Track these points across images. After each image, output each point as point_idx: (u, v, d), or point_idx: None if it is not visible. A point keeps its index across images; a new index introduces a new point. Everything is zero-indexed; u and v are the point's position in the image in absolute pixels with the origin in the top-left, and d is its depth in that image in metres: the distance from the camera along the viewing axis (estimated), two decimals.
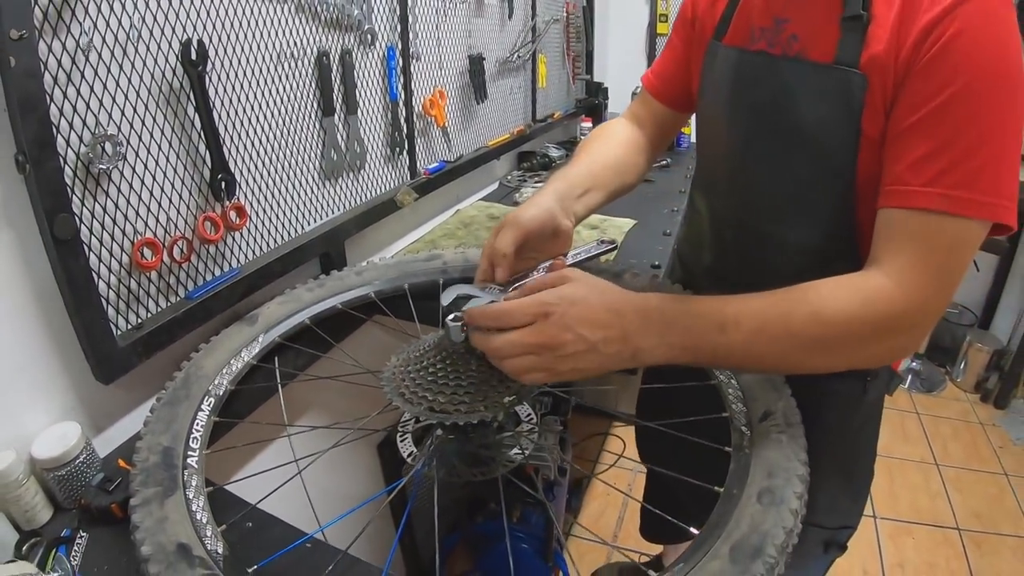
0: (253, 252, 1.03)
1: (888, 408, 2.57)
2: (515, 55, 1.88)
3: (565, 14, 2.29)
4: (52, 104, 0.69)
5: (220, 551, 0.59)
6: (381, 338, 1.19)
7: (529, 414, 0.86)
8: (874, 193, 0.68)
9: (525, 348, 0.60)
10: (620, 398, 1.74)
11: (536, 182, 1.95)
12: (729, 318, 0.62)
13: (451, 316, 0.68)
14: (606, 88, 2.65)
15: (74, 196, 0.73)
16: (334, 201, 1.22)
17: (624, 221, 1.54)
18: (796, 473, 0.61)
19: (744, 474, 0.62)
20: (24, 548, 0.68)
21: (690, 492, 0.62)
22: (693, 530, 0.58)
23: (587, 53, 2.54)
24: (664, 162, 2.23)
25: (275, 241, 1.08)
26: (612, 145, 0.98)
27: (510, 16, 1.83)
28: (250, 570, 0.57)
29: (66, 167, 0.71)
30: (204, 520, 0.62)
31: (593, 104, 2.58)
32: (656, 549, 1.74)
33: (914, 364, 2.91)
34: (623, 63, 2.90)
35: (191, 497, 0.64)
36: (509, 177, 2.04)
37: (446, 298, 0.69)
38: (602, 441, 2.24)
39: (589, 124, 2.51)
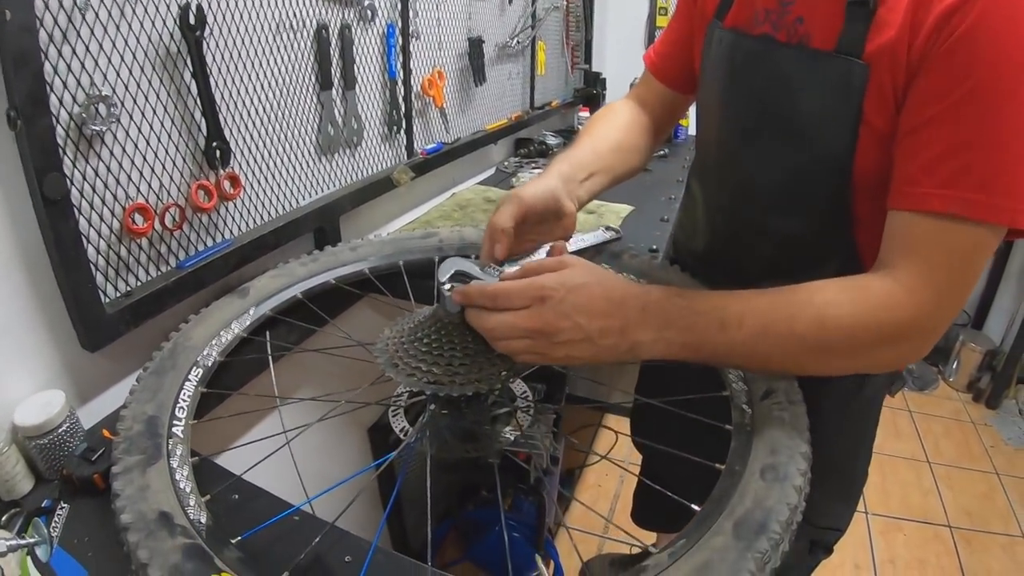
0: (247, 223, 1.02)
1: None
2: (514, 40, 1.87)
3: (565, 3, 2.28)
4: (47, 61, 0.68)
5: (203, 521, 0.57)
6: (375, 316, 1.18)
7: (525, 391, 0.84)
8: (875, 188, 0.65)
9: (520, 331, 0.59)
10: (619, 378, 1.74)
11: (533, 168, 1.94)
12: (732, 317, 0.60)
13: (447, 285, 0.67)
14: (604, 79, 2.64)
15: (65, 156, 0.71)
16: (330, 176, 1.21)
17: (622, 207, 1.54)
18: (799, 450, 0.60)
19: (746, 451, 0.61)
20: (3, 518, 0.67)
21: (689, 472, 0.61)
22: (695, 507, 0.57)
23: (586, 43, 2.54)
24: (663, 152, 2.24)
25: (269, 213, 1.07)
26: (616, 126, 0.96)
27: (511, 1, 1.82)
28: (234, 541, 0.56)
29: (58, 127, 0.70)
30: (188, 489, 0.60)
31: (591, 94, 2.58)
32: (646, 538, 1.74)
33: None
34: (622, 54, 2.90)
35: (175, 467, 0.63)
36: (506, 163, 2.03)
37: (443, 272, 0.68)
38: (594, 432, 2.24)
39: (587, 114, 2.51)
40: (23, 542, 0.56)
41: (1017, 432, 2.59)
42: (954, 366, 2.89)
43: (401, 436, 0.76)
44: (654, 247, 1.29)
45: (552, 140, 2.14)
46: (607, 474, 2.24)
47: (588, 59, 2.59)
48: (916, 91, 0.60)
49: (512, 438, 0.76)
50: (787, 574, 0.94)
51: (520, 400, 0.83)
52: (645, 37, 2.93)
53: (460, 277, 0.68)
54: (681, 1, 0.94)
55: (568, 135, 2.34)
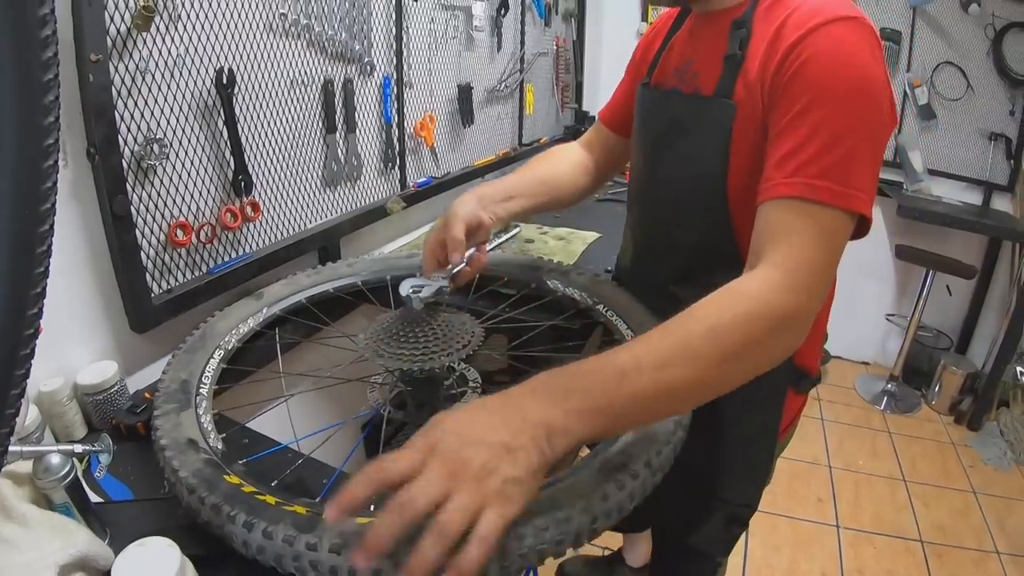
0: (264, 241, 1.24)
1: (859, 427, 2.68)
2: (503, 84, 2.06)
3: (555, 47, 2.48)
4: (116, 112, 0.91)
5: (220, 447, 0.76)
6: (366, 320, 1.38)
7: (476, 378, 1.00)
8: (746, 202, 0.77)
9: (436, 485, 0.49)
10: None
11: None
12: (627, 364, 0.58)
13: (410, 288, 0.87)
14: (594, 117, 2.79)
15: (128, 183, 0.94)
16: (333, 205, 1.43)
17: (589, 234, 1.74)
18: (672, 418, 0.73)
19: None
20: None
21: None
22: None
23: (577, 84, 2.73)
24: None
25: (282, 233, 1.29)
26: (554, 163, 1.14)
27: (499, 49, 2.02)
28: (241, 461, 0.75)
29: (123, 160, 0.93)
30: (209, 428, 0.79)
31: (579, 131, 2.68)
32: (616, 541, 1.86)
33: (889, 386, 2.99)
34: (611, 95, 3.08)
35: (200, 414, 0.81)
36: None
37: (404, 288, 0.89)
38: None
39: None
40: (93, 448, 0.76)
41: (996, 452, 2.61)
42: (936, 389, 2.93)
43: (372, 404, 0.94)
44: (609, 268, 1.47)
45: None
46: None
47: (579, 99, 2.77)
48: (773, 110, 0.74)
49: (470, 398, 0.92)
50: (711, 547, 1.10)
51: (471, 384, 1.01)
52: None
53: (418, 286, 0.88)
54: (630, 64, 1.13)
55: None
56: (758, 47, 0.77)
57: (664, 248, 1.00)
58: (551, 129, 2.59)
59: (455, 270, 0.91)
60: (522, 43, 2.18)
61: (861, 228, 0.73)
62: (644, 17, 3.04)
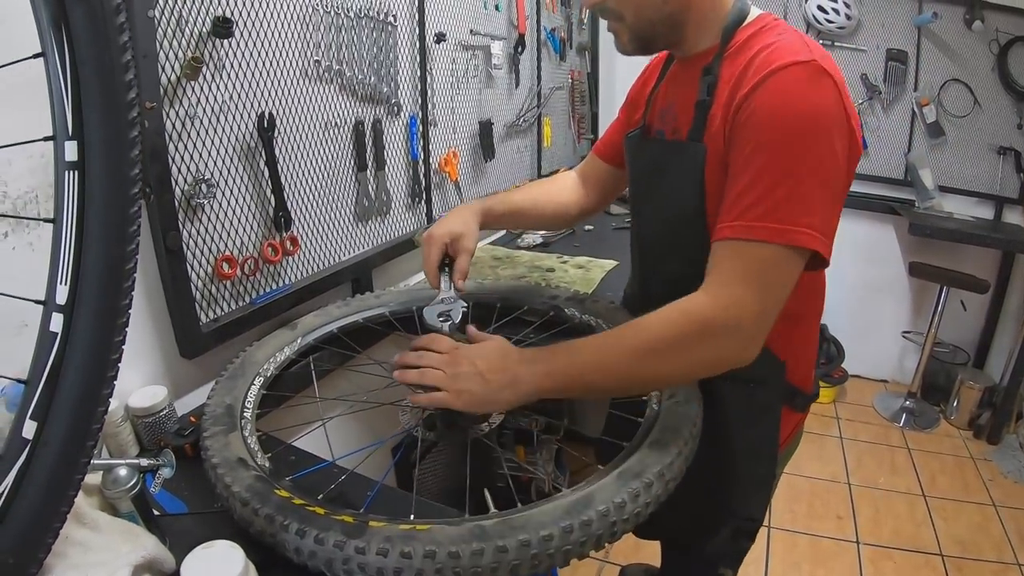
0: (302, 273, 1.31)
1: (878, 444, 2.74)
2: (521, 119, 2.15)
3: (570, 80, 2.57)
4: (168, 155, 0.99)
5: (267, 466, 0.82)
6: (394, 348, 1.43)
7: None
8: None
9: (437, 362, 0.82)
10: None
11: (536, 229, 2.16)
12: (577, 345, 0.81)
13: (438, 316, 0.95)
14: None
15: (179, 220, 1.02)
16: (365, 238, 1.50)
17: (608, 262, 1.80)
18: (684, 433, 0.80)
19: (646, 434, 0.82)
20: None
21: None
22: (600, 467, 0.77)
23: (592, 115, 2.82)
24: None
25: (318, 266, 1.36)
26: (544, 189, 1.29)
27: (517, 86, 2.11)
28: (288, 478, 0.80)
29: (175, 199, 1.01)
30: (256, 449, 0.85)
31: None
32: (649, 555, 1.88)
33: (908, 403, 2.97)
34: None
35: (247, 435, 0.87)
36: None
37: (430, 317, 0.97)
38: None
39: None
40: (158, 462, 0.82)
41: (1017, 466, 2.59)
42: (955, 404, 2.90)
43: (404, 425, 0.98)
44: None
45: None
46: None
47: (595, 130, 2.84)
48: (728, 158, 0.82)
49: (486, 430, 0.95)
50: (720, 560, 1.14)
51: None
52: None
53: (444, 314, 0.96)
54: (624, 104, 1.19)
55: None
56: (723, 91, 0.84)
57: (655, 278, 1.08)
58: (568, 159, 2.65)
59: (453, 293, 1.01)
60: (539, 78, 2.26)
61: (820, 260, 0.79)
62: None
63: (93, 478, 0.77)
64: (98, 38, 0.52)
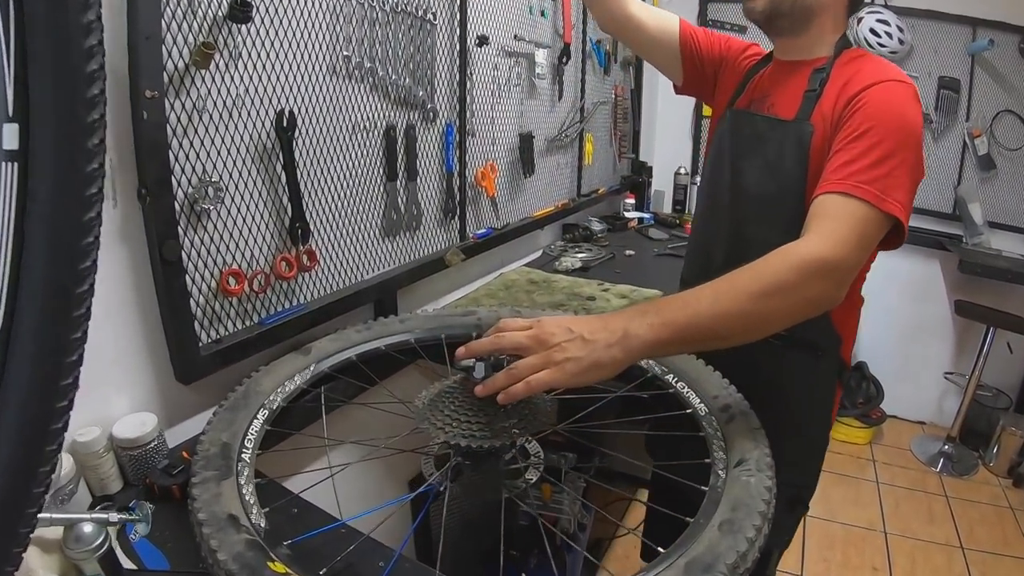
0: (319, 291, 1.19)
1: (915, 490, 2.67)
2: (563, 134, 2.04)
3: (613, 96, 2.48)
4: (170, 152, 0.87)
5: (263, 525, 0.70)
6: (416, 381, 1.31)
7: (537, 451, 0.95)
8: None
9: (520, 342, 0.76)
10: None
11: (576, 252, 2.09)
12: (690, 296, 0.80)
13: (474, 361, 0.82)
14: (651, 167, 2.79)
15: (180, 227, 0.90)
16: (391, 255, 1.38)
17: (651, 291, 1.68)
18: (758, 509, 0.69)
19: (713, 508, 0.71)
20: (96, 508, 0.82)
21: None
22: (660, 549, 0.66)
23: (634, 133, 2.71)
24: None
25: (338, 284, 1.24)
26: None
27: (560, 98, 2.01)
28: (286, 543, 0.68)
29: (176, 203, 0.89)
30: (251, 501, 0.73)
31: (636, 181, 2.71)
32: None
33: (946, 448, 2.88)
34: (669, 144, 3.06)
35: (242, 483, 0.75)
36: (552, 246, 2.17)
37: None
38: (626, 506, 2.23)
39: (632, 200, 2.64)
40: (129, 517, 0.70)
41: None
42: (995, 451, 2.80)
43: (428, 478, 0.87)
44: None
45: (597, 226, 2.28)
46: (635, 547, 2.23)
47: (636, 148, 2.74)
48: (836, 137, 0.94)
49: (522, 487, 0.86)
50: (774, 532, 1.02)
51: (533, 458, 0.94)
52: (692, 127, 3.09)
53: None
54: (715, 36, 1.23)
55: (613, 221, 2.47)
56: (832, 88, 0.99)
57: (744, 249, 1.01)
58: (608, 179, 2.56)
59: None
60: (582, 91, 2.17)
61: (895, 240, 0.92)
62: None
63: (54, 532, 0.68)
64: None
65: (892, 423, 3.16)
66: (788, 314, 0.83)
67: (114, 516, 0.68)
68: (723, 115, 1.18)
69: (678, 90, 1.32)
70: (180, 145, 0.89)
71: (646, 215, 2.67)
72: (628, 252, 2.16)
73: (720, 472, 0.78)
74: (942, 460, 2.85)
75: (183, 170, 0.90)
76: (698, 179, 2.69)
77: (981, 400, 2.91)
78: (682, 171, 2.86)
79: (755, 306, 0.80)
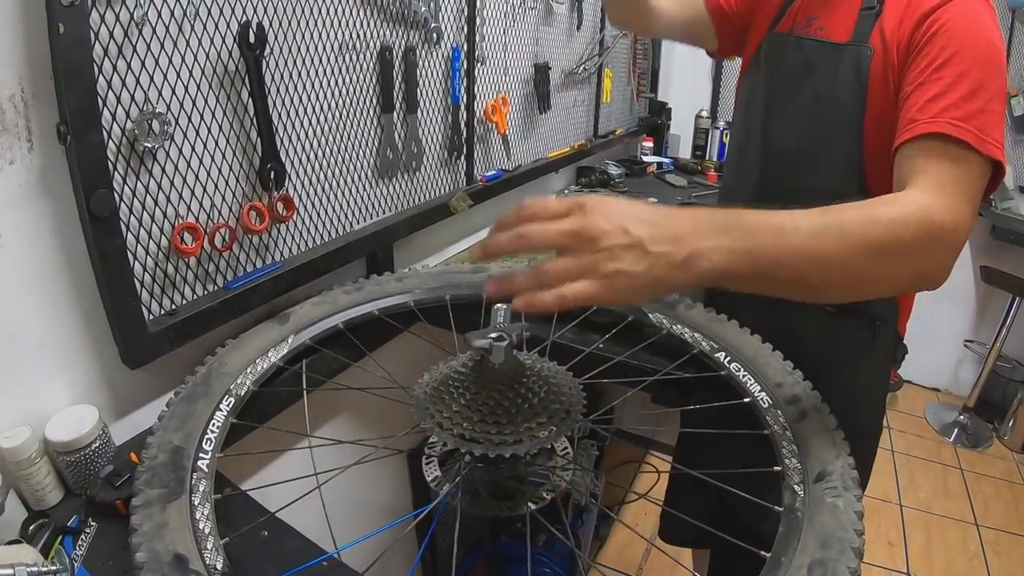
0: (298, 247, 1.01)
1: (931, 460, 2.64)
2: (581, 67, 1.85)
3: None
4: (100, 76, 0.68)
5: (219, 567, 0.55)
6: (417, 350, 1.15)
7: (565, 448, 0.79)
8: (879, 139, 0.83)
9: (557, 237, 0.54)
10: (664, 418, 1.68)
11: None
12: (786, 222, 0.60)
13: (495, 336, 0.64)
14: (670, 108, 2.60)
15: (116, 173, 0.71)
16: (386, 201, 1.20)
17: None
18: (852, 545, 0.56)
19: (794, 540, 0.58)
20: (31, 528, 0.67)
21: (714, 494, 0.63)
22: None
23: (653, 71, 2.51)
24: None
25: (322, 237, 1.06)
26: None
27: (579, 27, 1.82)
28: None
29: (110, 142, 0.70)
30: (207, 531, 0.59)
31: (655, 124, 2.54)
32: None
33: (961, 418, 2.83)
34: (688, 84, 2.86)
35: (196, 503, 0.61)
36: (566, 191, 2.01)
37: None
38: (636, 469, 2.16)
39: (650, 144, 2.46)
40: (44, 570, 0.55)
41: None
42: (1010, 424, 2.75)
43: (433, 486, 0.73)
44: None
45: (614, 170, 2.09)
46: (645, 513, 2.20)
47: (654, 88, 2.55)
48: (909, 69, 0.81)
49: (548, 499, 0.73)
50: None
51: (559, 457, 0.78)
52: (712, 67, 2.88)
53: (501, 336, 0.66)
54: None
55: (631, 164, 2.29)
56: (895, 6, 0.86)
57: (784, 200, 0.83)
58: (626, 120, 2.37)
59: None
60: (602, 22, 1.95)
61: (992, 184, 0.76)
62: None
63: None
64: None
65: (907, 389, 3.14)
66: (896, 284, 0.69)
67: (27, 569, 0.52)
68: (759, 45, 1.03)
69: (712, 55, 1.21)
70: (115, 67, 0.69)
71: (665, 160, 2.48)
72: (651, 199, 1.97)
73: (797, 488, 0.64)
74: (956, 430, 2.81)
75: (119, 99, 0.71)
76: (720, 123, 2.49)
77: (1000, 371, 2.85)
78: (703, 114, 2.64)
79: (864, 261, 0.62)
